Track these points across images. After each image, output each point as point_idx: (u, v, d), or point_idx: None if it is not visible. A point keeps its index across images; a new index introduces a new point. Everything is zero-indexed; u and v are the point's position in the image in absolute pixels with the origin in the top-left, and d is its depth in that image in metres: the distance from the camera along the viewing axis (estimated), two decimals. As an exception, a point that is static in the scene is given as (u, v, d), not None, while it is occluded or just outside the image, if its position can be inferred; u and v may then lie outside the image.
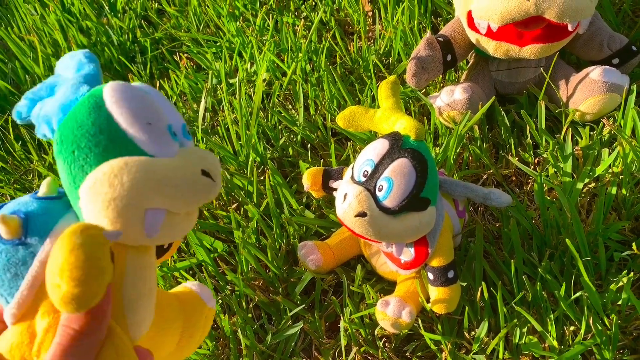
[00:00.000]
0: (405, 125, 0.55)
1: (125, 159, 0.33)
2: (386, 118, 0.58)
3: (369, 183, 0.54)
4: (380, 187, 0.53)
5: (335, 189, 0.63)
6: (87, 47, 1.11)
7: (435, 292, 0.59)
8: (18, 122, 0.37)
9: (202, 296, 0.49)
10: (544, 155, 0.74)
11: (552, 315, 0.60)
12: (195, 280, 0.65)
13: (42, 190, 0.36)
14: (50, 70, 1.10)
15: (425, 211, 0.55)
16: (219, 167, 0.38)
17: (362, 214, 0.54)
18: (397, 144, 0.54)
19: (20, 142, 0.98)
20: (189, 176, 0.34)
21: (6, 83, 1.07)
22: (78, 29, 1.14)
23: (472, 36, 0.76)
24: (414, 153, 0.54)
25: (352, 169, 0.57)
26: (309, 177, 0.66)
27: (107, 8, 1.17)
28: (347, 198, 0.55)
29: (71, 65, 0.38)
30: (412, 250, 0.59)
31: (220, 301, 0.70)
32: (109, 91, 0.34)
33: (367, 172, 0.55)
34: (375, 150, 0.55)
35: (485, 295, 0.60)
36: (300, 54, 0.94)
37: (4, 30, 1.13)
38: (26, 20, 1.18)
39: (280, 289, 0.71)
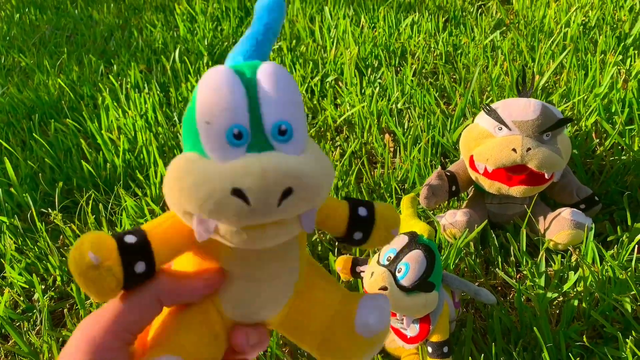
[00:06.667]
0: (420, 227, 0.75)
1: (186, 160, 0.31)
2: (406, 222, 0.79)
3: (391, 266, 0.73)
4: (400, 269, 0.72)
5: (362, 272, 0.82)
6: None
7: (433, 363, 0.76)
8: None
9: None
10: (524, 272, 0.93)
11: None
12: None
13: None
14: (127, 162, 1.33)
15: (430, 293, 0.73)
16: (273, 186, 0.29)
17: (384, 288, 0.72)
18: (414, 240, 0.74)
19: (94, 216, 1.18)
20: (216, 195, 0.29)
21: (89, 167, 1.29)
22: (153, 133, 1.39)
23: (472, 174, 0.99)
24: (426, 247, 0.73)
25: (379, 255, 0.77)
26: (340, 263, 0.85)
27: (175, 118, 1.43)
28: (374, 275, 0.73)
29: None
30: (417, 326, 0.76)
31: None
32: (205, 75, 0.32)
33: (390, 257, 0.74)
34: (397, 242, 0.75)
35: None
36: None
37: (95, 126, 1.38)
38: (113, 122, 1.44)
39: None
